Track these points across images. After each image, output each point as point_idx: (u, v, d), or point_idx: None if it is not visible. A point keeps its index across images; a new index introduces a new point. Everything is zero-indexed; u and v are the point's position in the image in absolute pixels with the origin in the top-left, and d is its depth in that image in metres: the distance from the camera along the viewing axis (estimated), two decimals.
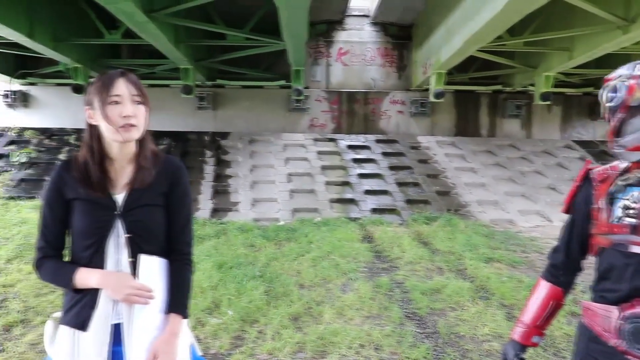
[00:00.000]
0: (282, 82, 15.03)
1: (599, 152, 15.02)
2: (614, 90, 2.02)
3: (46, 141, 14.41)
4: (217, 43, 13.04)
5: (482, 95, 16.09)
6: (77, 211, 2.06)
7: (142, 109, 2.06)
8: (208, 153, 14.13)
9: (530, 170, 14.08)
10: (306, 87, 15.09)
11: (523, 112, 15.85)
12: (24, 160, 13.46)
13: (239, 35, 12.32)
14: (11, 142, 14.26)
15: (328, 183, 12.99)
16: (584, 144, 15.66)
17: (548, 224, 11.64)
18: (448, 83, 13.57)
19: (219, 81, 15.33)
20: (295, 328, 5.23)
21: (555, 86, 13.75)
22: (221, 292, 6.15)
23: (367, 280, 7.03)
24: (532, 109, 15.97)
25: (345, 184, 13.03)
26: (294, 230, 10.15)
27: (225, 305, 5.75)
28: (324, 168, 13.59)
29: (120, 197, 2.08)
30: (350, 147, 14.74)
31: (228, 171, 13.35)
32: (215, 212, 11.71)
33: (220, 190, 12.57)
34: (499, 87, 15.57)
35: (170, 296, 2.12)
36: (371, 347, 4.81)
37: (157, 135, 14.72)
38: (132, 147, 2.10)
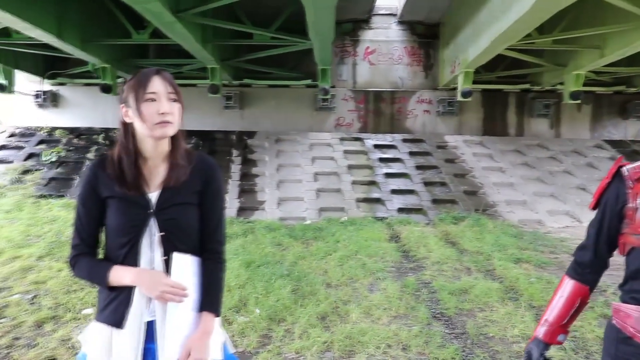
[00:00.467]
0: (309, 82, 15.04)
1: (631, 151, 14.77)
2: None
3: (75, 140, 14.62)
4: (244, 42, 13.08)
5: (510, 94, 15.93)
6: (112, 209, 2.08)
7: (177, 106, 2.08)
8: (235, 152, 14.21)
9: (560, 170, 13.90)
10: (332, 87, 15.10)
11: (552, 111, 15.65)
12: (54, 159, 13.68)
13: (265, 34, 12.35)
14: (42, 142, 14.49)
15: (354, 182, 12.97)
16: (614, 143, 15.40)
17: (578, 225, 11.48)
18: (475, 82, 13.42)
19: (246, 80, 15.39)
20: (323, 327, 5.23)
21: (585, 85, 13.52)
22: (249, 290, 6.18)
23: (394, 280, 7.01)
24: (561, 108, 15.77)
25: (372, 183, 13.00)
26: (321, 229, 10.17)
27: (253, 303, 5.78)
28: (350, 167, 13.58)
29: (153, 195, 2.10)
30: (377, 146, 14.70)
31: (254, 170, 13.41)
32: (242, 210, 11.77)
33: (247, 189, 12.63)
34: (527, 86, 15.38)
35: (202, 294, 2.13)
36: (399, 347, 4.79)
37: (184, 135, 14.82)
38: (165, 145, 2.12)
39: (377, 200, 12.33)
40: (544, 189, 13.01)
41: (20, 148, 14.22)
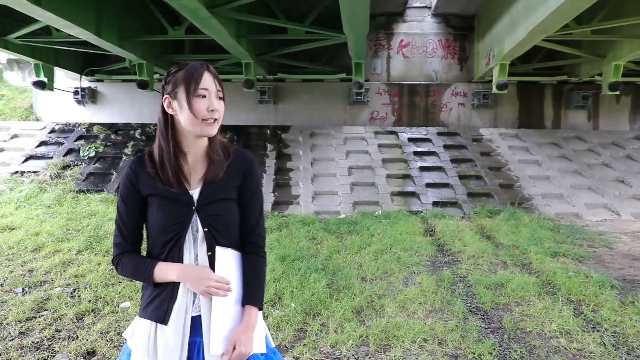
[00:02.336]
0: (343, 75, 15.04)
1: None
2: None
3: (112, 136, 14.86)
4: (278, 37, 13.16)
5: (546, 86, 15.70)
6: (154, 207, 2.11)
7: (222, 104, 2.13)
8: (269, 146, 14.28)
9: (598, 162, 13.65)
10: (366, 80, 15.08)
11: (589, 103, 15.40)
12: (92, 154, 13.93)
13: (299, 29, 12.37)
14: (80, 137, 14.76)
15: (389, 176, 12.94)
16: None
17: (617, 218, 11.29)
18: (511, 74, 13.27)
19: (280, 75, 15.45)
20: (358, 321, 5.24)
21: (624, 75, 13.23)
22: (284, 284, 6.22)
23: (430, 274, 6.98)
24: (599, 100, 15.50)
25: (406, 176, 12.96)
26: (355, 223, 10.17)
27: (288, 297, 5.82)
28: (384, 161, 13.55)
29: (195, 191, 2.12)
30: (411, 139, 14.63)
31: (289, 164, 13.48)
32: (277, 205, 11.85)
33: (282, 184, 12.71)
34: (564, 77, 15.13)
35: (245, 288, 2.16)
36: (435, 341, 4.78)
37: (220, 129, 14.96)
38: (205, 141, 2.16)
39: (412, 194, 12.28)
40: (582, 181, 12.80)
41: (60, 144, 14.50)
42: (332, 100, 15.88)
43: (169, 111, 2.10)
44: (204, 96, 2.05)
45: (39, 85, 14.15)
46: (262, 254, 2.25)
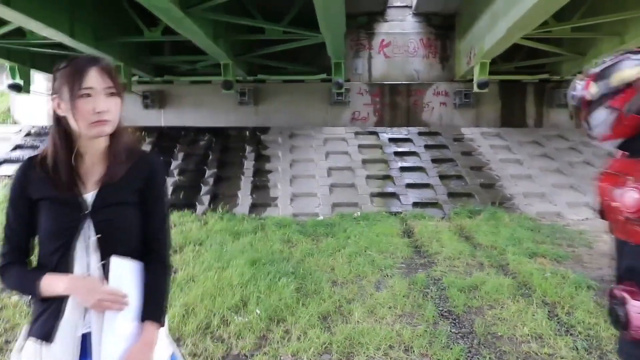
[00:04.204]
0: (323, 76, 14.85)
1: None
2: (574, 89, 2.31)
3: None
4: (255, 38, 12.97)
5: (528, 84, 15.60)
6: (44, 212, 1.89)
7: (116, 101, 1.91)
8: (248, 148, 14.06)
9: (579, 160, 13.51)
10: (347, 80, 14.91)
11: None
12: None
13: (277, 29, 12.19)
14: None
15: (369, 177, 12.74)
16: None
17: (598, 217, 11.15)
18: (493, 73, 13.10)
19: (260, 76, 15.25)
20: (324, 327, 5.04)
21: None
22: (251, 289, 6.00)
23: (403, 277, 6.80)
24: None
25: (387, 177, 12.77)
26: (333, 225, 9.97)
27: (254, 303, 5.60)
28: (364, 162, 13.35)
29: (90, 195, 1.91)
30: (392, 140, 14.45)
31: (268, 166, 13.26)
32: (254, 207, 11.62)
33: (260, 186, 12.48)
34: (545, 76, 15.02)
35: (145, 302, 1.94)
36: (401, 348, 4.59)
37: (198, 132, 14.77)
38: (103, 141, 1.95)
39: (392, 195, 12.10)
40: (563, 180, 12.66)
41: (36, 147, 14.21)
42: (313, 101, 15.70)
43: (59, 112, 1.89)
44: (89, 95, 1.83)
45: (15, 88, 13.89)
46: (164, 264, 2.05)
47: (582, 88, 2.24)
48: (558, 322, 5.16)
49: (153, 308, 1.96)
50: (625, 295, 2.04)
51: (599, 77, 2.18)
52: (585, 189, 12.09)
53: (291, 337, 4.80)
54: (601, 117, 2.19)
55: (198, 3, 9.63)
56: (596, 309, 5.40)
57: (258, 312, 5.34)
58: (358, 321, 5.21)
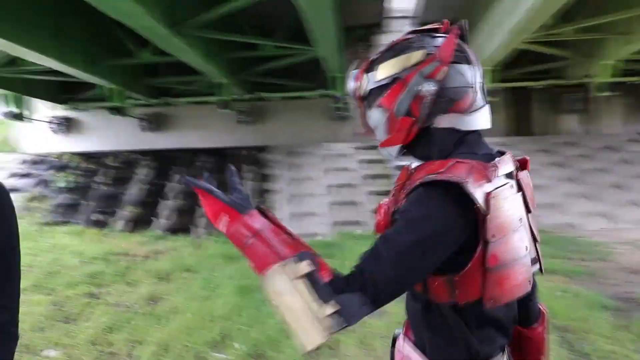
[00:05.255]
0: (322, 91, 14.42)
1: None
2: (350, 80, 1.76)
3: (83, 165, 14.23)
4: (249, 55, 12.55)
5: (534, 91, 15.04)
6: None
7: None
8: (246, 168, 13.63)
9: (592, 168, 12.95)
10: (347, 95, 14.44)
11: (580, 106, 14.74)
12: (62, 184, 13.34)
13: (269, 44, 11.80)
14: (52, 168, 14.19)
15: (371, 193, 12.26)
16: None
17: (614, 227, 10.59)
18: (498, 81, 12.64)
19: (258, 94, 14.85)
20: None
21: (616, 75, 12.60)
22: (233, 320, 5.51)
23: (404, 301, 6.26)
24: (591, 102, 14.83)
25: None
26: (332, 245, 9.47)
27: (235, 337, 5.10)
28: (366, 177, 12.88)
29: None
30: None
31: (266, 186, 12.84)
32: None
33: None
34: (552, 81, 14.49)
35: None
36: None
37: (196, 153, 14.38)
38: None
39: None
40: (576, 189, 12.11)
41: (30, 175, 13.94)
42: (313, 117, 15.28)
43: None
44: None
45: (10, 116, 13.66)
46: (7, 334, 1.56)
47: (355, 79, 1.74)
48: (570, 350, 4.60)
49: None
50: None
51: (369, 67, 1.69)
52: (599, 197, 11.56)
53: None
54: (376, 118, 1.68)
55: (185, 20, 9.22)
56: (613, 333, 4.85)
57: (237, 345, 4.84)
58: (346, 354, 4.69)
